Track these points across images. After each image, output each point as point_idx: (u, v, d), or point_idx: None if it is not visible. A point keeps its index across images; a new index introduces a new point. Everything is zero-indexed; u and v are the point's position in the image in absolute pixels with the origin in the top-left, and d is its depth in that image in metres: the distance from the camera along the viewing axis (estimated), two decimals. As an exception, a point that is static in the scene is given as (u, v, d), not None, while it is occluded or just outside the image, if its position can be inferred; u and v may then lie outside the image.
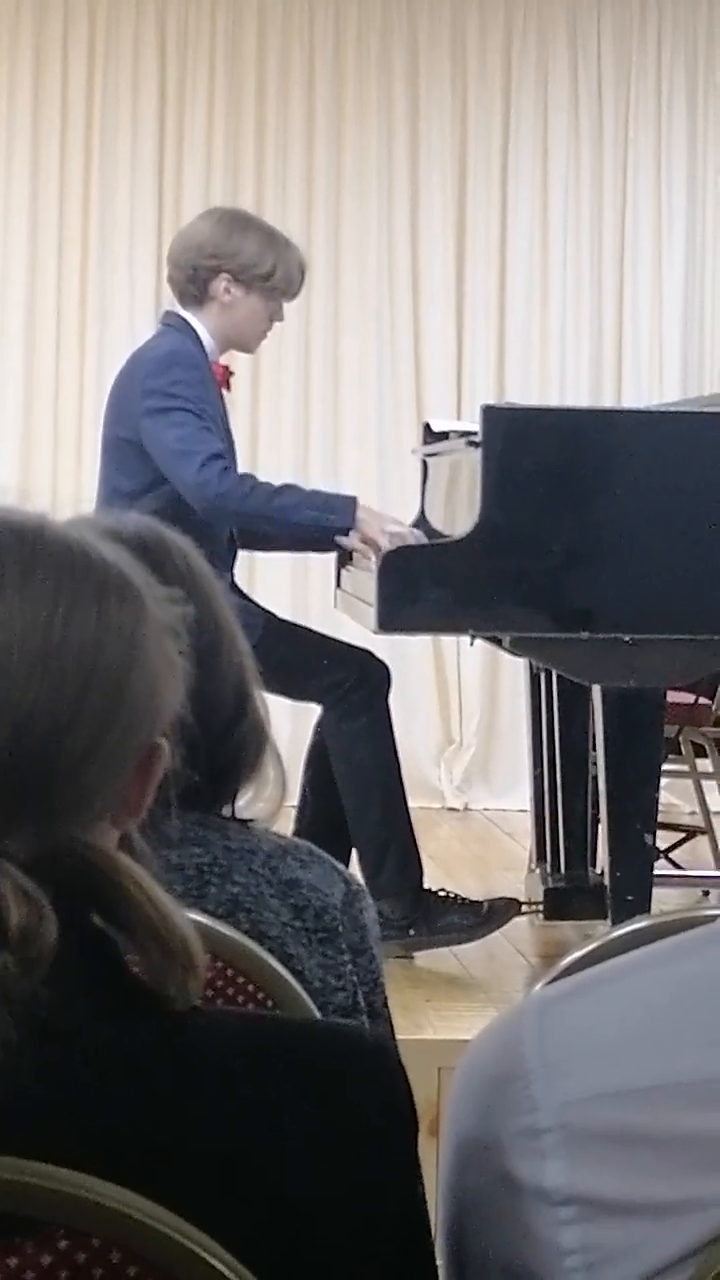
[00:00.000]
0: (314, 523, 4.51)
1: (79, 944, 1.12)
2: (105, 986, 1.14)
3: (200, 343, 4.67)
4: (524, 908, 4.75)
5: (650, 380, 7.58)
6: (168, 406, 4.50)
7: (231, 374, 4.83)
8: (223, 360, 4.77)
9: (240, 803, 1.96)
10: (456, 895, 4.59)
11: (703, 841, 5.64)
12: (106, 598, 1.19)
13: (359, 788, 4.52)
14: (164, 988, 1.14)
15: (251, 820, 1.96)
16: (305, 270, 4.78)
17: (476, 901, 4.59)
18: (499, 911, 4.58)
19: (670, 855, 5.60)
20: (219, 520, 4.53)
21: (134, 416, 4.56)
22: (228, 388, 4.78)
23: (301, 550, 5.20)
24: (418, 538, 4.46)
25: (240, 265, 4.65)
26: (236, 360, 4.94)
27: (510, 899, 4.67)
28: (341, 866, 2.02)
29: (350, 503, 4.54)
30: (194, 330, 4.69)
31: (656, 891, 4.26)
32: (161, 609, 1.23)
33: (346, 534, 4.49)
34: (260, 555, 5.76)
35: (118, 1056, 1.12)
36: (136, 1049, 1.13)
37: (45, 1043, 1.08)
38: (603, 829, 4.34)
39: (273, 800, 1.97)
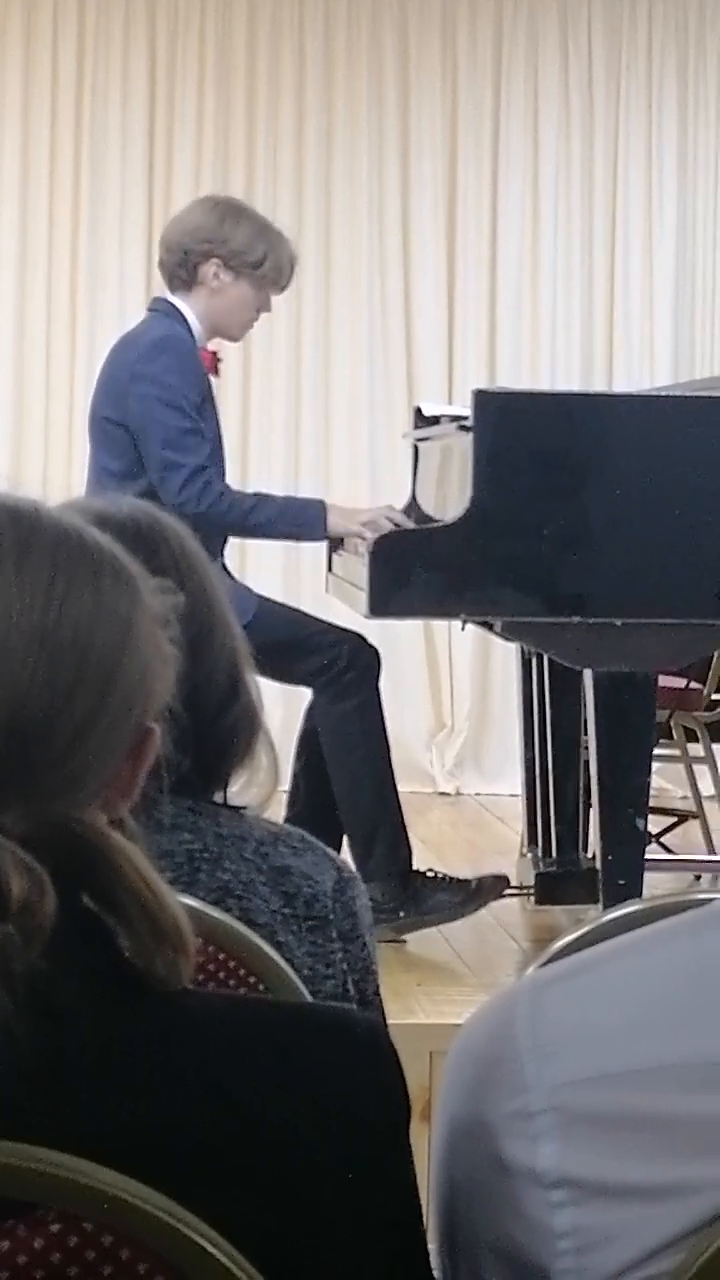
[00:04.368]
0: (287, 537, 4.79)
1: (71, 922, 1.12)
2: (96, 965, 1.14)
3: (189, 327, 4.69)
4: (515, 892, 4.75)
5: (641, 364, 7.57)
6: (158, 396, 4.52)
7: (220, 360, 4.84)
8: (210, 346, 4.78)
9: (233, 789, 1.96)
10: (444, 874, 4.59)
11: (694, 826, 5.65)
12: (101, 579, 1.19)
13: (349, 770, 4.53)
14: (154, 968, 1.14)
15: (243, 807, 1.95)
16: (295, 264, 4.80)
17: (464, 879, 4.59)
18: (487, 888, 4.58)
19: (662, 840, 5.60)
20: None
21: (123, 400, 4.57)
22: (216, 373, 4.79)
23: None
24: (392, 517, 4.53)
25: (231, 251, 4.66)
26: (227, 345, 4.95)
27: (498, 875, 4.67)
28: (334, 854, 2.02)
29: (319, 512, 4.61)
30: (182, 315, 4.70)
31: (648, 876, 4.26)
32: (153, 598, 1.24)
33: (322, 541, 4.70)
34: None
35: (108, 1036, 1.12)
36: (127, 1029, 1.13)
37: (40, 1020, 1.08)
38: (594, 813, 4.34)
39: (265, 787, 1.97)
